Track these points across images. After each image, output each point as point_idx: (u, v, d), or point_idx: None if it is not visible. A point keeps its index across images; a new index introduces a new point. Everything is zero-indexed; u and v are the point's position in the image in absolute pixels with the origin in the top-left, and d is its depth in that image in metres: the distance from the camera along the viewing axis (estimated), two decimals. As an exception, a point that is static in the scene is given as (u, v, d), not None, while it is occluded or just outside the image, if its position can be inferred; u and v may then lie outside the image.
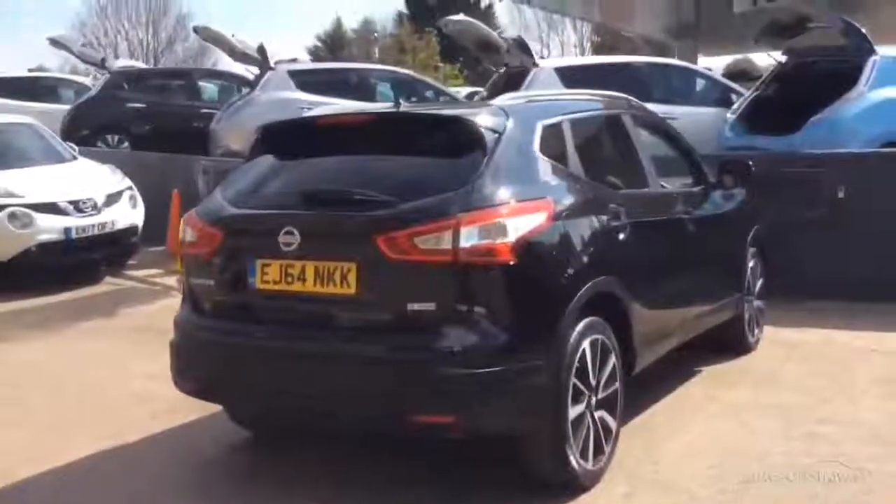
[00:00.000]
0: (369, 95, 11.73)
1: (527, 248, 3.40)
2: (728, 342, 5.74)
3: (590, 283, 3.67)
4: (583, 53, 46.54)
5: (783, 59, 9.13)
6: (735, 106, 9.18)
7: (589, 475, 3.68)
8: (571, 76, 9.69)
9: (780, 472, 3.88)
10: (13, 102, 14.93)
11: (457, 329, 3.29)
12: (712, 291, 5.17)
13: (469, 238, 3.26)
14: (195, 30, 14.24)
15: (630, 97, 5.07)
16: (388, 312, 3.37)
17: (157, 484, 4.01)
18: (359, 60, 42.04)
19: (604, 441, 3.79)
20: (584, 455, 3.64)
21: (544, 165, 3.73)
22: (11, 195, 8.75)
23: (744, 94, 9.50)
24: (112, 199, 9.34)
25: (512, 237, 3.34)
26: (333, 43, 49.77)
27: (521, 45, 9.78)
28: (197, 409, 4.52)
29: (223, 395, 3.79)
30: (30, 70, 18.99)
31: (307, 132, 4.03)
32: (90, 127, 13.13)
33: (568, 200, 3.72)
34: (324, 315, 3.51)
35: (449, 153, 3.59)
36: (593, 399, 3.72)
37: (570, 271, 3.59)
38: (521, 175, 3.60)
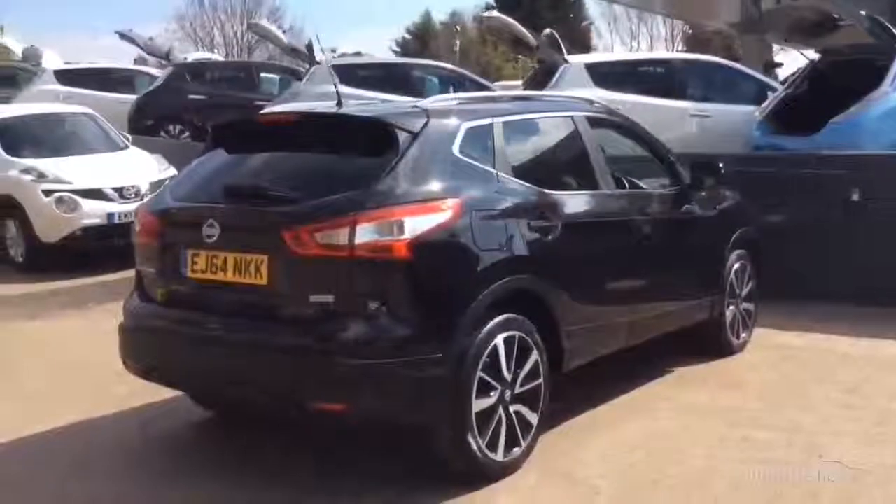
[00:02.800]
0: (412, 89, 11.96)
1: (425, 245, 3.55)
2: (706, 344, 5.74)
3: (501, 282, 3.79)
4: (673, 46, 45.67)
5: (815, 56, 8.91)
6: (764, 105, 9.03)
7: (497, 466, 3.81)
8: (602, 73, 9.72)
9: (692, 475, 3.93)
10: (89, 92, 15.75)
11: (353, 321, 3.48)
12: (676, 293, 5.19)
13: (365, 234, 3.44)
14: (249, 26, 14.72)
15: (592, 99, 5.13)
16: (293, 304, 3.59)
17: (95, 463, 4.27)
18: (443, 53, 42.52)
19: (520, 435, 3.91)
20: (492, 447, 3.77)
21: (461, 166, 3.87)
22: (60, 181, 9.32)
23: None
24: (155, 186, 9.77)
25: (409, 235, 3.50)
26: (422, 36, 50.35)
27: (552, 42, 9.83)
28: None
29: (161, 377, 4.07)
30: (135, 62, 19.90)
31: (248, 130, 4.28)
32: (153, 117, 13.77)
33: (483, 201, 3.84)
34: (241, 304, 3.75)
35: (365, 153, 3.78)
36: (507, 393, 3.84)
37: (476, 269, 3.72)
38: (432, 175, 3.75)
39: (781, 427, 4.48)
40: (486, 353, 3.72)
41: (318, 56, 11.68)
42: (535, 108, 4.74)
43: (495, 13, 10.84)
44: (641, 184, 5.46)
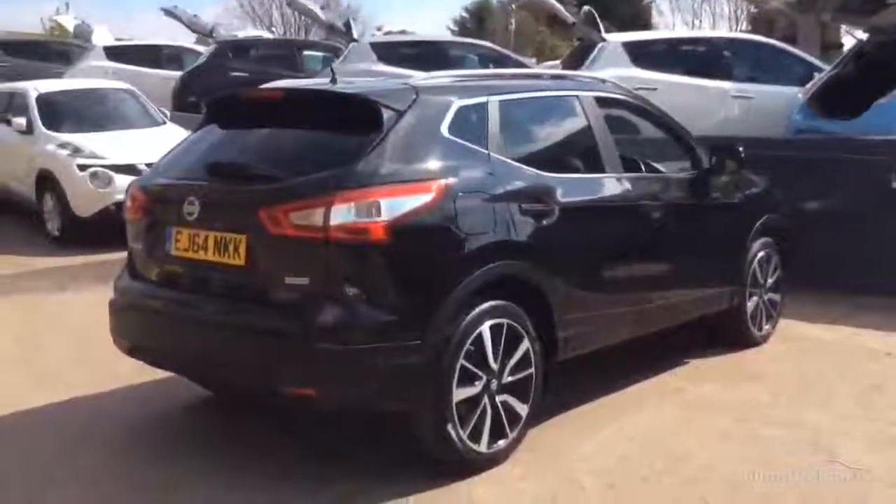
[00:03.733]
0: (452, 67, 11.80)
1: (404, 228, 3.43)
2: (726, 335, 5.55)
3: (488, 267, 3.66)
4: (737, 26, 44.50)
5: (864, 36, 8.50)
6: (808, 86, 8.64)
7: (480, 458, 3.70)
8: (640, 51, 9.45)
9: (686, 473, 3.77)
10: (137, 69, 15.95)
11: (328, 305, 3.38)
12: (689, 282, 4.99)
13: (340, 215, 3.34)
14: (288, 2, 14.70)
15: (604, 78, 4.93)
16: (269, 285, 3.51)
17: (89, 439, 4.26)
18: (499, 31, 42.01)
19: (507, 426, 3.79)
20: (475, 437, 3.66)
21: (450, 146, 3.73)
22: (95, 156, 9.42)
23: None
24: (189, 162, 9.89)
25: (386, 217, 3.38)
26: (479, 14, 49.96)
27: (590, 19, 9.57)
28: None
29: (144, 356, 4.04)
30: (196, 41, 20.16)
31: (239, 106, 4.20)
32: (197, 94, 13.82)
33: (471, 183, 3.70)
34: (220, 284, 3.69)
35: (349, 131, 3.67)
36: (494, 383, 3.73)
37: (460, 253, 3.59)
38: (417, 155, 3.62)
39: (791, 424, 4.28)
40: (469, 340, 3.60)
41: (356, 34, 11.58)
42: (536, 87, 4.56)
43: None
44: (660, 167, 5.28)
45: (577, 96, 4.51)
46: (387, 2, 63.79)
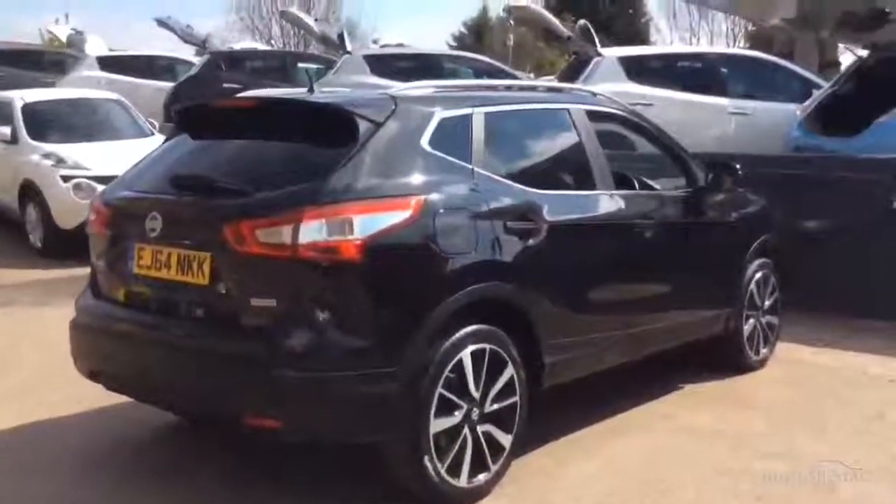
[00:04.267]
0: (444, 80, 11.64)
1: (380, 247, 3.22)
2: (722, 359, 5.36)
3: (470, 289, 3.45)
4: (734, 43, 44.48)
5: (864, 53, 8.34)
6: (806, 103, 8.49)
7: (459, 493, 3.47)
8: (636, 66, 9.31)
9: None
10: (129, 79, 15.77)
11: (296, 329, 3.17)
12: (683, 305, 4.79)
13: (310, 233, 3.13)
14: (281, 14, 14.55)
15: (595, 91, 4.75)
16: (234, 307, 3.29)
17: (47, 464, 4.03)
18: (497, 47, 41.96)
19: (489, 458, 3.57)
20: (454, 471, 3.44)
21: (431, 160, 3.53)
22: (79, 167, 9.21)
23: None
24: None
25: (360, 235, 3.18)
26: (478, 29, 49.97)
27: (585, 33, 9.41)
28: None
29: (105, 381, 3.81)
30: (196, 53, 19.97)
31: (210, 116, 4.00)
32: (188, 105, 13.66)
33: (452, 199, 3.50)
34: (184, 305, 3.47)
35: (324, 143, 3.46)
36: (475, 412, 3.51)
37: (438, 275, 3.39)
38: (394, 169, 3.42)
39: (788, 456, 4.08)
40: (449, 367, 3.39)
41: (349, 46, 11.42)
42: (524, 99, 4.37)
43: (524, 2, 10.39)
44: (654, 184, 5.09)
45: (567, 109, 4.31)
46: (386, 16, 63.85)
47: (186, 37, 15.64)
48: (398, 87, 3.96)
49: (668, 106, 8.61)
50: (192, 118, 4.03)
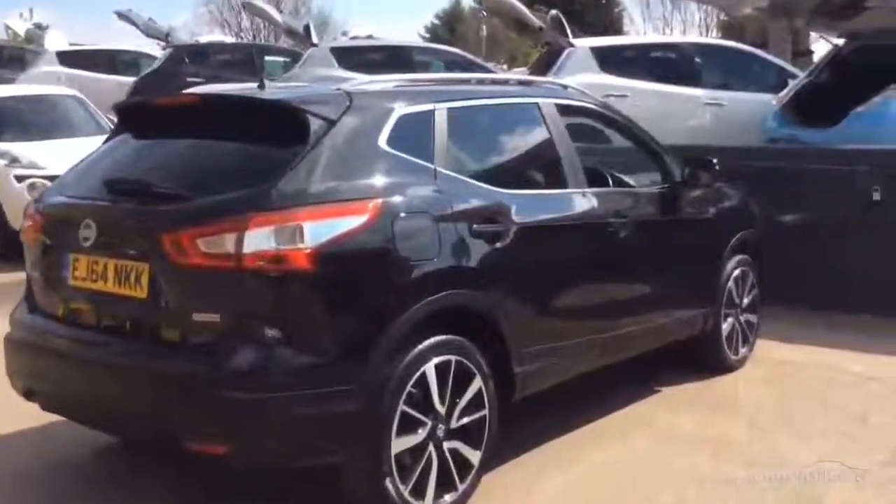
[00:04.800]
0: (415, 73, 11.37)
1: (331, 255, 2.97)
2: (700, 359, 5.17)
3: (433, 298, 3.21)
4: (707, 32, 44.50)
5: (839, 42, 8.19)
6: (782, 93, 8.32)
7: (424, 515, 3.25)
8: (609, 57, 9.11)
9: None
10: (91, 75, 15.37)
11: (242, 346, 2.91)
12: (660, 306, 4.58)
13: (256, 242, 2.87)
14: (243, 5, 14.20)
15: (566, 84, 4.53)
16: (174, 322, 3.03)
17: None
18: (471, 39, 41.67)
19: (456, 476, 3.34)
20: (418, 493, 3.21)
21: (389, 160, 3.29)
22: (34, 166, 8.87)
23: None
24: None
25: (311, 243, 2.92)
26: (451, 21, 49.63)
27: (557, 24, 9.19)
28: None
29: (40, 401, 3.53)
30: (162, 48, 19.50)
31: (153, 113, 3.72)
32: (151, 100, 13.30)
33: (412, 202, 3.26)
34: (121, 320, 3.21)
35: (271, 143, 3.21)
36: (441, 428, 3.28)
37: (398, 284, 3.15)
38: (349, 171, 3.17)
39: (771, 463, 3.88)
40: (411, 382, 3.16)
41: (315, 38, 11.12)
42: (491, 93, 4.13)
43: (496, -9, 10.15)
44: (628, 180, 4.88)
45: (536, 104, 4.08)
46: (358, 8, 63.31)
47: (148, 30, 15.26)
48: (354, 82, 3.70)
49: (641, 97, 8.45)
50: (134, 116, 3.76)
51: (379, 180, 3.22)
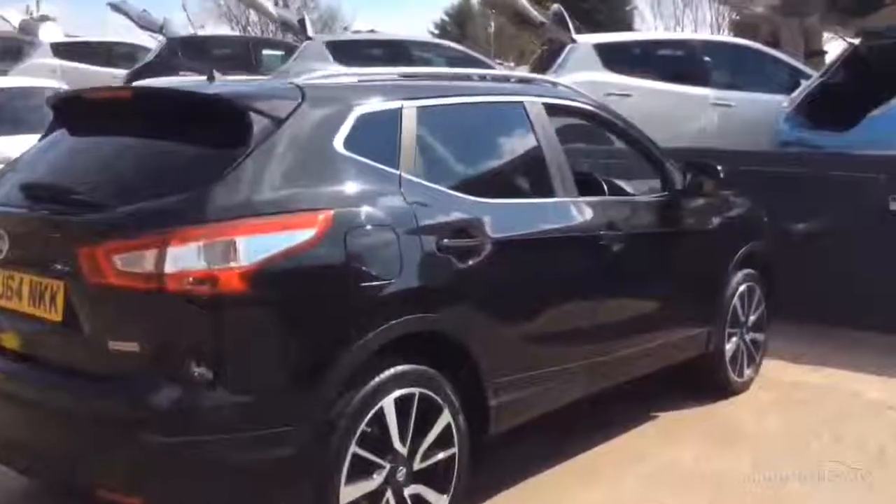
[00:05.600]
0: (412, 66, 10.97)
1: (273, 275, 2.58)
2: (702, 382, 4.76)
3: (393, 322, 2.82)
4: (719, 31, 43.93)
5: (856, 41, 7.76)
6: (795, 94, 7.91)
7: (379, 572, 2.85)
8: (613, 54, 8.71)
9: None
10: (85, 67, 15.04)
11: (164, 381, 2.52)
12: (657, 326, 4.17)
13: (181, 260, 2.48)
14: (238, -2, 13.81)
15: (557, 81, 4.12)
16: (89, 352, 2.63)
17: None
18: (479, 35, 41.23)
19: (419, 525, 2.95)
20: (374, 544, 2.81)
21: (346, 165, 2.89)
22: (7, 161, 8.52)
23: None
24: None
25: (247, 261, 2.53)
26: (460, 18, 49.22)
27: (559, 19, 8.79)
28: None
29: None
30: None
31: (85, 108, 3.32)
32: (143, 94, 12.93)
33: (373, 212, 2.86)
34: (34, 345, 2.82)
35: (209, 144, 2.81)
36: (401, 471, 2.88)
37: (352, 308, 2.75)
38: (297, 178, 2.77)
39: (777, 509, 3.48)
40: (366, 419, 2.76)
41: (311, 32, 10.73)
42: (469, 91, 3.71)
43: (496, -16, 9.76)
44: (625, 186, 4.48)
45: (521, 103, 3.67)
46: (367, 3, 62.76)
47: (142, 22, 14.90)
48: (312, 75, 3.30)
49: (646, 96, 8.14)
50: (69, 111, 3.35)
51: (332, 188, 2.82)
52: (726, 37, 11.20)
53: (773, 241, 5.15)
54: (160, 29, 14.30)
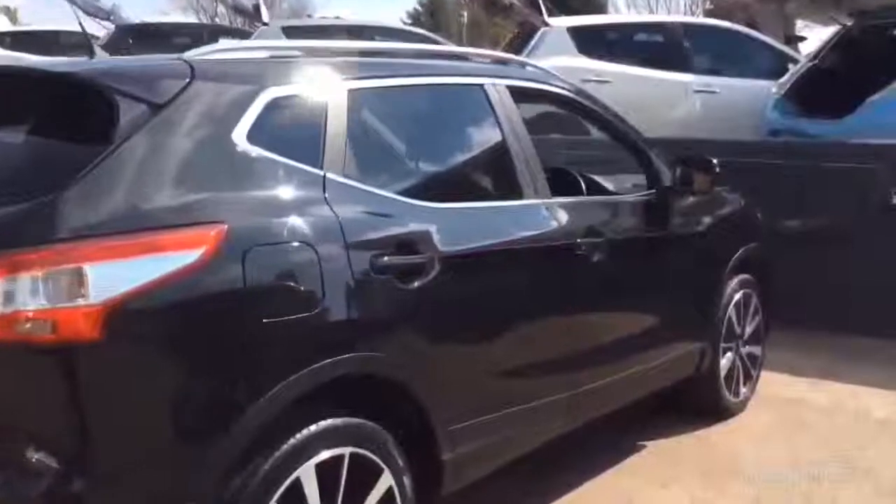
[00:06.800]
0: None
1: (140, 315, 1.94)
2: (693, 404, 4.21)
3: (314, 366, 2.19)
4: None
5: (848, 21, 7.24)
6: (783, 79, 7.40)
7: None
8: (588, 38, 8.15)
9: None
10: (31, 57, 14.21)
11: None
12: (644, 347, 3.58)
13: (11, 296, 1.84)
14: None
15: (525, 60, 3.50)
16: None
17: None
18: (452, 24, 40.64)
19: None
20: None
21: (249, 164, 2.26)
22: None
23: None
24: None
25: (101, 296, 1.89)
26: (433, 6, 48.60)
27: (530, 1, 8.18)
28: None
29: None
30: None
31: None
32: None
33: (281, 226, 2.22)
34: None
35: (65, 137, 2.17)
36: (328, 553, 2.26)
37: (257, 350, 2.12)
38: (180, 181, 2.13)
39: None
40: (277, 494, 2.13)
41: (265, 17, 10.07)
42: (416, 70, 3.03)
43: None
44: (608, 185, 3.89)
45: (481, 85, 3.04)
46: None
47: (88, 7, 14.07)
48: (213, 47, 2.65)
49: (624, 83, 7.60)
50: None
51: (229, 195, 2.17)
52: (708, 19, 10.63)
53: (769, 242, 4.60)
54: (108, 16, 13.52)
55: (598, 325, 3.29)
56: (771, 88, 7.37)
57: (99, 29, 16.32)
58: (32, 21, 19.96)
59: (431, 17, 45.54)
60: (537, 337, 2.97)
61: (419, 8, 49.67)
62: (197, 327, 2.02)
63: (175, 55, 2.44)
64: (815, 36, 12.78)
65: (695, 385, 4.08)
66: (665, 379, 3.82)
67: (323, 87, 2.50)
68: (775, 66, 8.18)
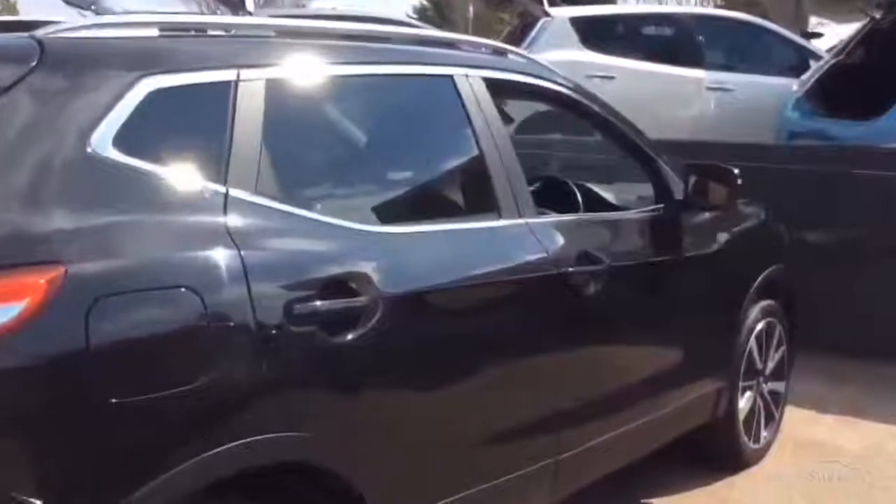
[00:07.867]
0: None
1: None
2: (707, 452, 3.65)
3: (202, 458, 1.61)
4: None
5: (876, 13, 6.71)
6: (805, 76, 6.90)
7: None
8: (592, 30, 7.65)
9: None
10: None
11: None
12: (649, 394, 2.99)
13: None
14: (171, -34, 12.55)
15: (510, 47, 2.91)
16: None
17: None
18: (458, 19, 40.27)
19: None
20: None
21: (111, 180, 1.66)
22: None
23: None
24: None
25: None
26: (439, 1, 48.43)
27: (531, -11, 7.65)
28: None
29: None
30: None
31: None
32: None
33: (152, 266, 1.63)
34: None
35: None
36: None
37: (116, 440, 1.53)
38: (4, 206, 1.53)
39: None
40: None
41: (250, 6, 9.50)
42: (362, 56, 2.36)
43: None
44: (609, 196, 3.32)
45: (449, 76, 2.43)
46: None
47: (68, -2, 13.61)
48: (80, 22, 2.05)
49: (631, 79, 7.14)
50: None
51: (77, 223, 1.57)
52: (722, 11, 10.14)
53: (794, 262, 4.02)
54: (90, 6, 13.00)
55: (593, 373, 2.69)
56: (791, 86, 6.88)
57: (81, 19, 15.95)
58: (25, 11, 19.46)
59: (438, 12, 45.25)
60: (516, 395, 2.37)
61: (425, 3, 49.45)
62: (10, 416, 1.42)
63: (28, 33, 1.84)
64: (831, 32, 12.28)
65: (709, 432, 3.51)
66: (676, 429, 3.24)
67: (230, 76, 1.90)
68: (795, 61, 7.73)
